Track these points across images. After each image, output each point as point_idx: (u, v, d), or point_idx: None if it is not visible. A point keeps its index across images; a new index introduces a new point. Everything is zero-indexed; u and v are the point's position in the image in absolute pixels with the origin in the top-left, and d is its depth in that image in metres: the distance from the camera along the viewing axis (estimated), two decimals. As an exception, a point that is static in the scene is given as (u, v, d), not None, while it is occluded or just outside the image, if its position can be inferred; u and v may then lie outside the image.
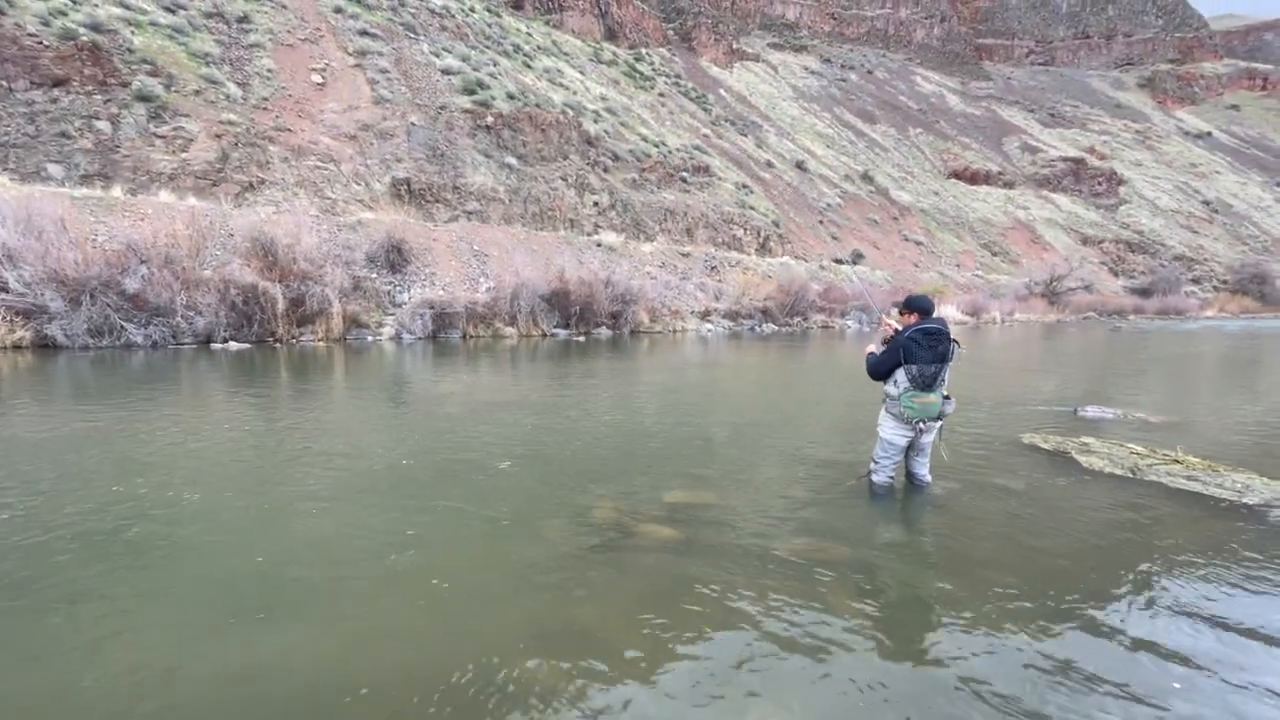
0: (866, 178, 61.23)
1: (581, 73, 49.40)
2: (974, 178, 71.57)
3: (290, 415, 6.94)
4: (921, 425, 4.06)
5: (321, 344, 14.19)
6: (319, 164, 25.33)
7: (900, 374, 4.01)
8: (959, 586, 3.03)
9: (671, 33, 75.67)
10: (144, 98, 21.90)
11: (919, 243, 54.89)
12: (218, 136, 22.82)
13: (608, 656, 2.46)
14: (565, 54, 52.39)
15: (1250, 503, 4.11)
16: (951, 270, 51.15)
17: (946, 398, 4.06)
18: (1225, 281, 62.22)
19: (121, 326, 12.09)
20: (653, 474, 4.79)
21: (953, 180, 70.80)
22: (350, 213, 22.23)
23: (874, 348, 4.23)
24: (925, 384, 3.93)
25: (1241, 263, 64.23)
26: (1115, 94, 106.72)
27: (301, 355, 12.48)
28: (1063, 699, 2.24)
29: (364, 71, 30.73)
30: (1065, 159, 78.32)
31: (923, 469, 4.36)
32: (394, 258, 17.23)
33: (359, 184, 25.75)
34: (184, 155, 22.03)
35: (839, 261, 42.27)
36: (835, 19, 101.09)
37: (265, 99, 26.36)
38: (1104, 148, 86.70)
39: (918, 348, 3.90)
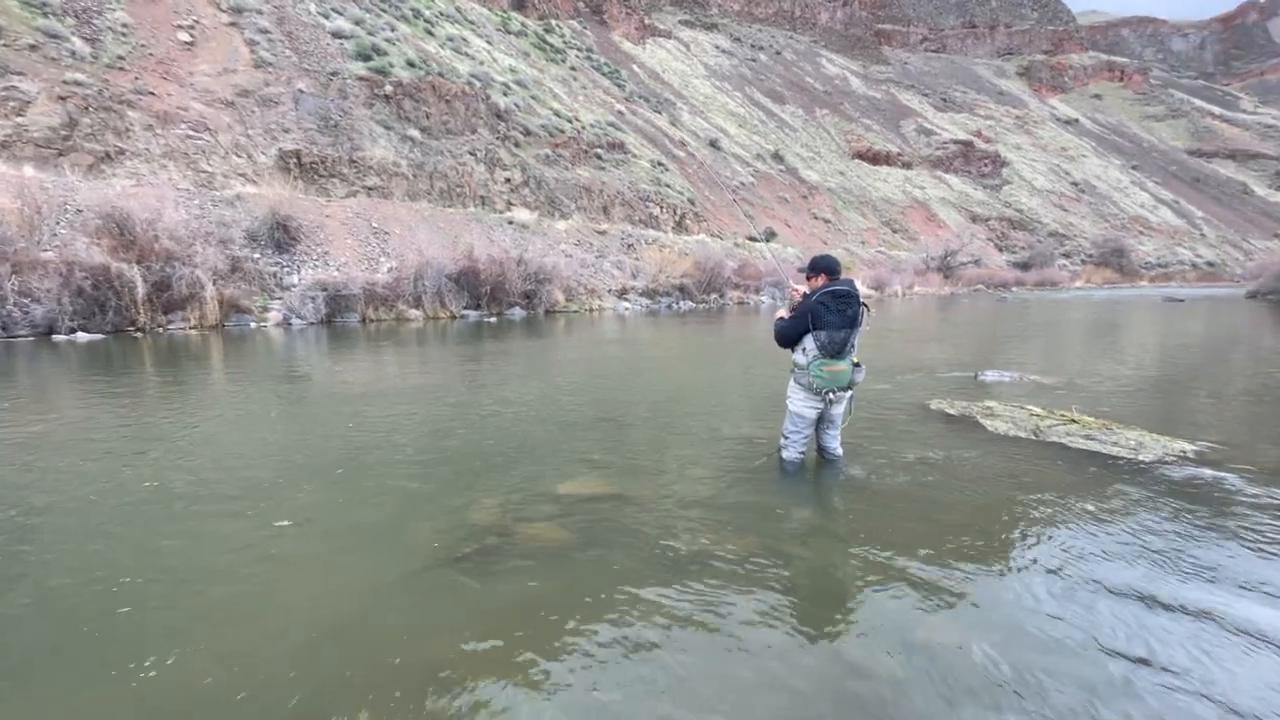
0: (777, 157, 62.66)
1: (489, 43, 47.21)
2: (875, 158, 74.90)
3: (143, 414, 6.02)
4: (831, 395, 3.82)
5: (194, 332, 12.72)
6: (191, 133, 22.71)
7: (809, 341, 3.75)
8: (874, 570, 2.85)
9: (582, 5, 73.78)
10: (-39, 50, 18.78)
11: (827, 220, 56.94)
12: (62, 99, 19.92)
13: (463, 696, 2.06)
14: (471, 22, 49.85)
15: (1144, 459, 4.25)
16: (857, 247, 53.44)
17: (857, 365, 3.83)
18: (1091, 255, 68.79)
19: (-66, 317, 10.28)
20: (550, 463, 4.37)
21: (856, 161, 73.78)
22: (230, 188, 20.10)
23: (784, 312, 3.97)
24: (834, 351, 3.68)
25: (1104, 238, 71.29)
26: (998, 81, 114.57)
27: (169, 345, 11.10)
28: (984, 678, 2.10)
29: (241, 31, 27.79)
30: (956, 141, 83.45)
31: (834, 442, 4.14)
32: (280, 236, 15.71)
33: (240, 156, 23.34)
34: (19, 119, 19.08)
35: (753, 239, 43.09)
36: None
37: (121, 58, 23.29)
38: (989, 131, 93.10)
39: (826, 311, 3.64)
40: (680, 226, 38.24)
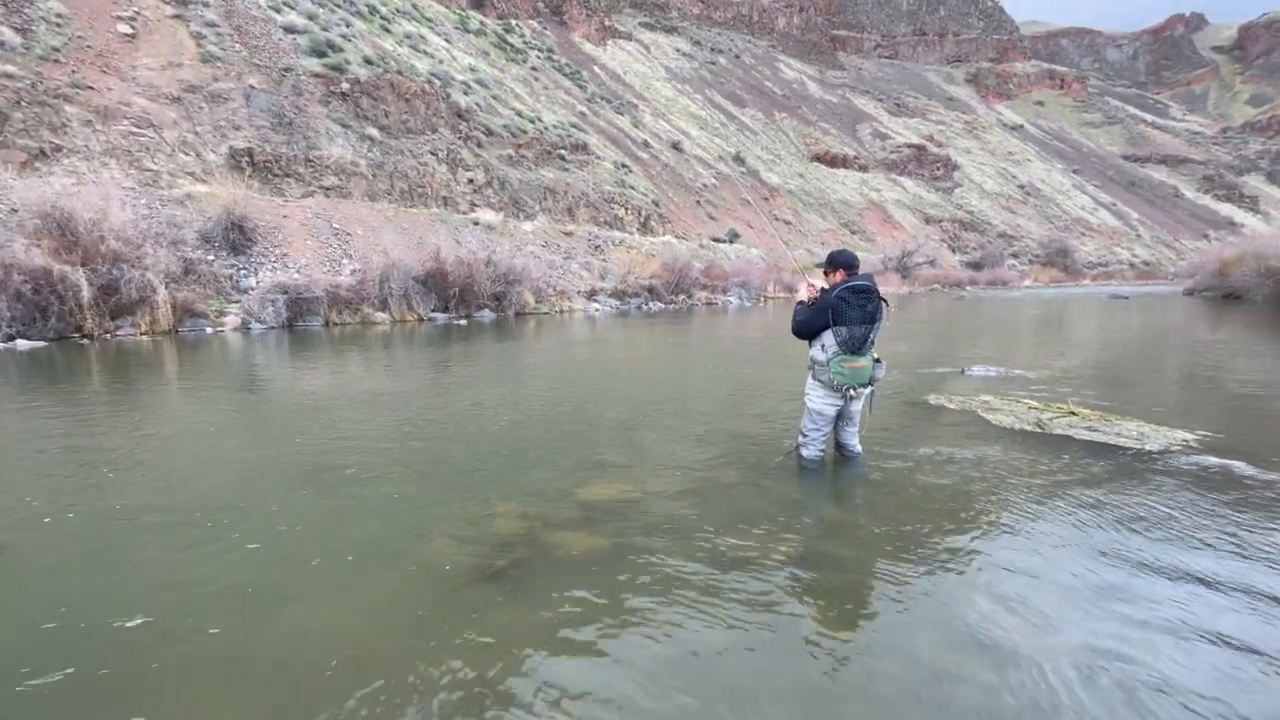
0: (739, 159, 63.36)
1: (448, 41, 46.37)
2: (833, 161, 76.49)
3: (92, 427, 5.60)
4: (852, 392, 3.76)
5: (145, 338, 12.01)
6: (134, 130, 21.55)
7: (828, 337, 3.68)
8: (917, 567, 2.75)
9: (542, 5, 73.23)
10: (-126, 37, 17.42)
11: (788, 222, 57.84)
12: (-11, 91, 18.67)
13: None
14: (428, 20, 48.88)
15: (1151, 449, 4.32)
16: (818, 248, 54.45)
17: (877, 361, 3.78)
18: (1038, 255, 71.71)
19: None
20: (561, 466, 4.16)
21: (815, 163, 75.20)
22: (179, 187, 19.12)
23: (803, 296, 3.90)
24: (855, 347, 3.63)
25: (1050, 239, 74.49)
26: (947, 88, 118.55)
27: (119, 352, 10.44)
28: (1032, 681, 2.06)
29: (186, 24, 26.55)
30: (910, 145, 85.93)
31: (853, 439, 4.08)
32: (235, 237, 15.01)
33: (188, 154, 22.26)
34: (-59, 113, 17.80)
35: (717, 240, 43.41)
36: (704, 2, 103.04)
37: (56, 49, 21.97)
38: (940, 136, 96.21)
39: (847, 307, 3.58)
40: (645, 228, 38.24)
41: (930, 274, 51.85)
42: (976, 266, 60.92)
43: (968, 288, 51.22)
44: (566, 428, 5.29)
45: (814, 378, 3.87)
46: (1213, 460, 4.06)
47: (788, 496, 3.59)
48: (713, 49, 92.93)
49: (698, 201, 50.55)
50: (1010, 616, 2.39)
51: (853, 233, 62.77)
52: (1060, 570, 2.74)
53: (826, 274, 3.91)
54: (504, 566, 2.79)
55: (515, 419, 5.65)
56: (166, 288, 12.37)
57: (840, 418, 3.99)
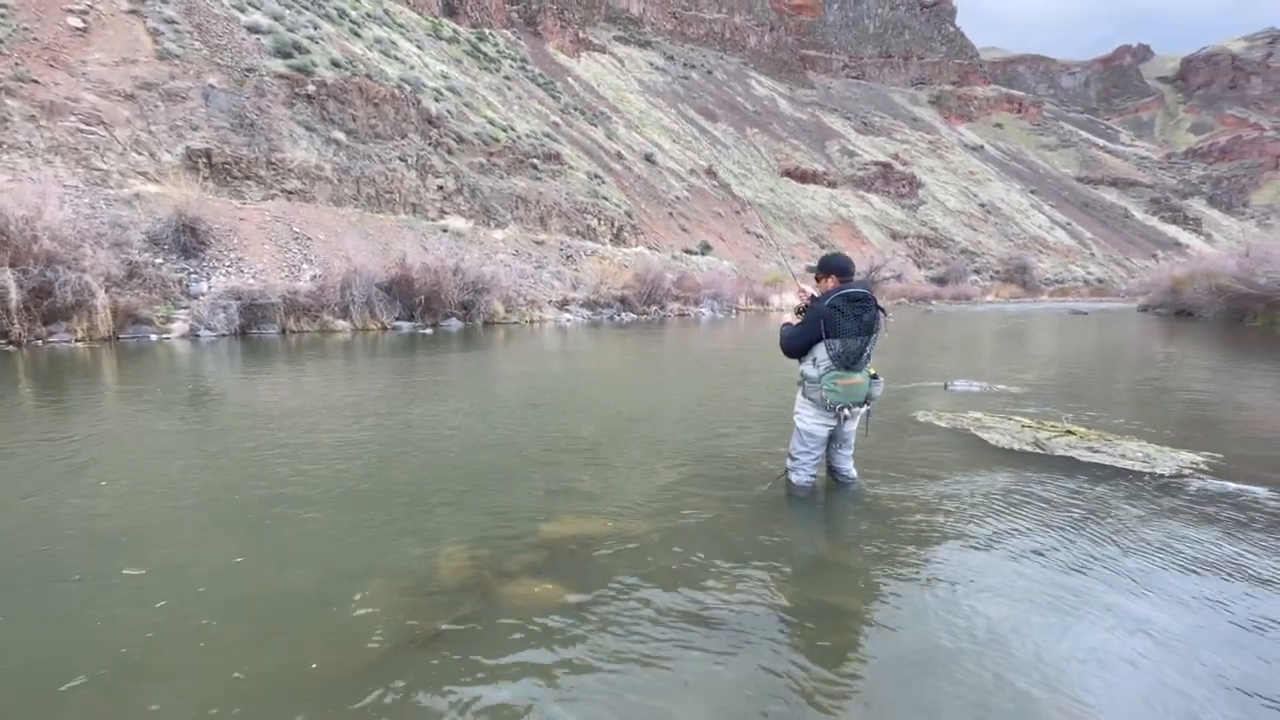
0: (711, 173, 63.86)
1: (419, 47, 45.79)
2: (803, 177, 77.75)
3: (3, 443, 5.03)
4: (846, 412, 3.39)
5: (81, 345, 11.21)
6: (82, 126, 20.51)
7: (820, 350, 3.34)
8: (921, 609, 2.45)
9: (516, 15, 73.10)
10: None
11: (759, 235, 58.39)
12: (-80, 81, 17.57)
13: None
14: (400, 25, 48.25)
15: (1163, 472, 4.09)
16: (788, 262, 54.98)
17: (874, 377, 3.42)
18: (999, 272, 73.83)
19: None
20: (522, 496, 3.66)
21: (785, 179, 76.31)
22: (129, 186, 18.18)
23: (791, 317, 3.59)
24: (849, 362, 3.28)
25: (1010, 256, 76.88)
26: (912, 108, 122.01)
27: (51, 360, 9.69)
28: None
29: (143, 20, 25.55)
30: (876, 163, 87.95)
31: (847, 463, 3.70)
32: (187, 239, 14.26)
33: (141, 153, 21.27)
34: None
35: (689, 252, 43.46)
36: (677, 18, 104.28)
37: (-3, 40, 20.85)
38: (906, 154, 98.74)
39: (841, 317, 3.21)
40: (618, 239, 38.07)
41: (897, 288, 52.84)
42: (941, 281, 62.35)
43: (933, 302, 52.31)
44: (531, 449, 4.82)
45: (804, 395, 3.51)
46: (1232, 486, 3.82)
47: (775, 532, 3.19)
48: (685, 64, 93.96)
49: (670, 213, 50.66)
50: (1047, 694, 1.98)
51: (822, 247, 63.63)
52: (1123, 640, 2.28)
53: (818, 279, 3.58)
54: (442, 629, 2.31)
55: (476, 439, 5.17)
56: (107, 291, 11.61)
57: (833, 439, 3.62)
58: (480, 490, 3.80)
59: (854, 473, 3.75)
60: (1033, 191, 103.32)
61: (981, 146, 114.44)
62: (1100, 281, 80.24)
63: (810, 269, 3.71)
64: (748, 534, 3.14)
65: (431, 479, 4.04)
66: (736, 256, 48.82)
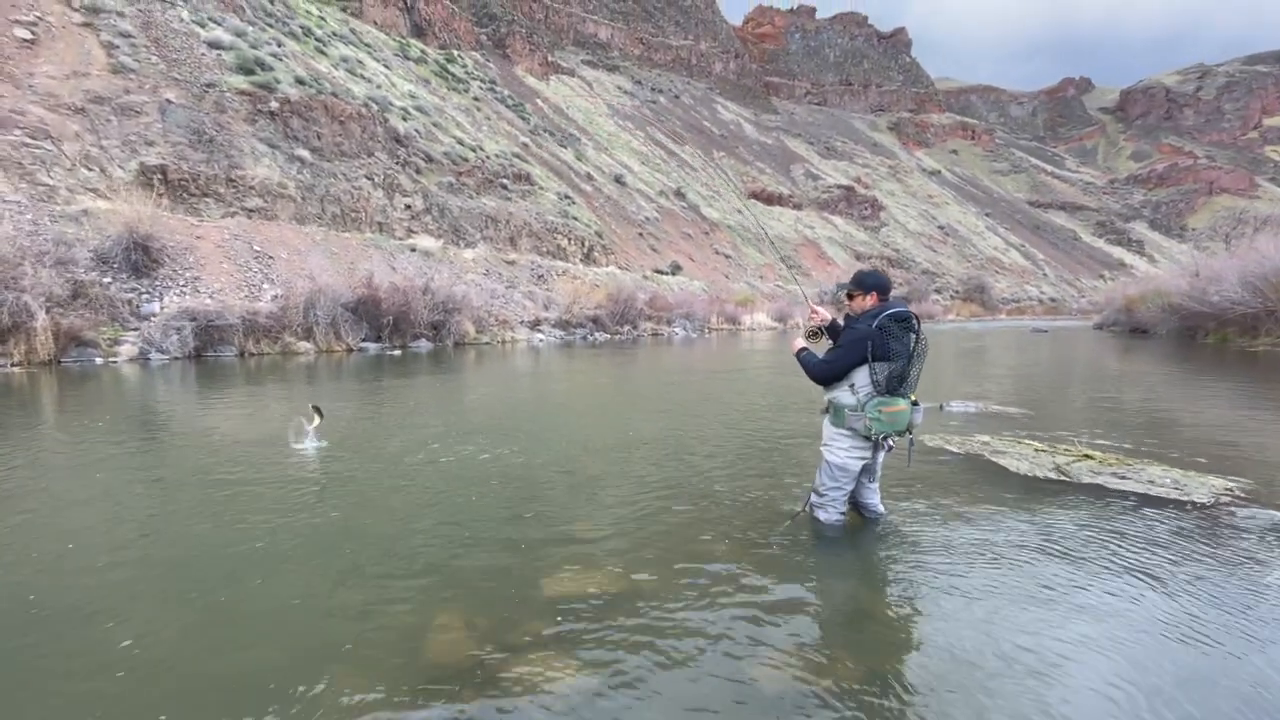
0: (679, 194, 64.58)
1: (386, 67, 45.42)
2: (769, 199, 79.25)
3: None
4: (891, 442, 3.11)
5: (19, 369, 10.45)
6: (27, 140, 19.57)
7: (860, 375, 3.05)
8: (997, 669, 2.11)
9: (485, 38, 73.38)
10: None
11: (728, 256, 59.06)
12: None
13: None
14: (366, 45, 47.87)
15: (1201, 500, 3.86)
16: (757, 281, 55.67)
17: (915, 404, 3.14)
18: (958, 291, 76.05)
19: None
20: (519, 546, 3.19)
21: (752, 200, 77.67)
22: (77, 203, 17.32)
23: (802, 341, 3.34)
24: (894, 387, 3.02)
25: (969, 276, 79.37)
26: (872, 134, 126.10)
27: (-17, 386, 8.97)
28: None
29: (96, 33, 24.71)
30: (839, 186, 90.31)
31: (874, 497, 3.42)
32: (138, 258, 13.57)
33: (90, 169, 20.38)
34: None
35: (660, 272, 43.59)
36: (644, 44, 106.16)
37: (-65, 50, 19.90)
38: (867, 178, 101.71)
39: (891, 339, 2.93)
40: (589, 258, 37.98)
41: (863, 308, 53.82)
42: (905, 301, 63.77)
43: (898, 321, 53.35)
44: (519, 486, 4.31)
45: (837, 425, 3.19)
46: (1278, 515, 3.61)
47: (807, 579, 2.85)
48: (653, 89, 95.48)
49: (640, 234, 50.88)
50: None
51: (789, 267, 64.71)
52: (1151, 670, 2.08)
53: (850, 297, 3.25)
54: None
55: (456, 475, 4.59)
56: (48, 312, 10.89)
57: (863, 472, 3.32)
58: (474, 539, 3.32)
59: (882, 508, 3.49)
60: (988, 214, 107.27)
61: (939, 171, 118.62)
62: (1053, 300, 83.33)
63: (841, 286, 3.48)
64: (777, 584, 2.77)
65: (416, 527, 3.53)
66: (706, 277, 49.17)
